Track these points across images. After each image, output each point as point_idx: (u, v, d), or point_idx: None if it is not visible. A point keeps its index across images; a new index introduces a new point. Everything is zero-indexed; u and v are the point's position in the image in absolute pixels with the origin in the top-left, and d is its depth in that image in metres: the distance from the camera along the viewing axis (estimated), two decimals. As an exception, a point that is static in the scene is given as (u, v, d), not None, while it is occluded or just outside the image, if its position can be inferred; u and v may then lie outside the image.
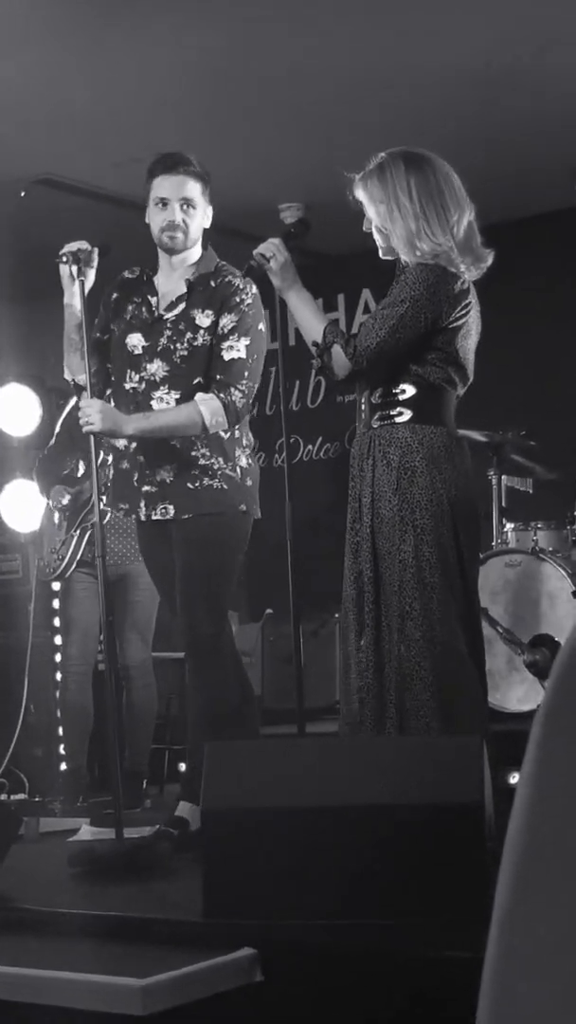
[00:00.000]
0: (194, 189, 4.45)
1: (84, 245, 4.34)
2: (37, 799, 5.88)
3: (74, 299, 4.39)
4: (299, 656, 4.35)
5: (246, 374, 4.40)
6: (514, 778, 4.44)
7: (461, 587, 3.88)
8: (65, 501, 5.84)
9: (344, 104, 6.30)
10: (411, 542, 3.82)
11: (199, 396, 4.36)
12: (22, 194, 7.08)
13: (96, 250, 4.35)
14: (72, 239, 4.39)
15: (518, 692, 5.67)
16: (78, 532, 5.80)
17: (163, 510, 4.43)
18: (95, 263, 4.36)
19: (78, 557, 5.81)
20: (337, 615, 6.72)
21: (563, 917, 1.00)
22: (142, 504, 4.46)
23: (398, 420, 3.91)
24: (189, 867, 3.53)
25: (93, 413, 4.28)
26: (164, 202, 4.44)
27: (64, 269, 4.36)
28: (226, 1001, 2.77)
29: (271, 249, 4.04)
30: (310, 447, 8.48)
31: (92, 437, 4.33)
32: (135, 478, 4.47)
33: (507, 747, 3.99)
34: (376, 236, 4.01)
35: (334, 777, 3.11)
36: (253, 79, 6.06)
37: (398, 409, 3.92)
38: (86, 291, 4.34)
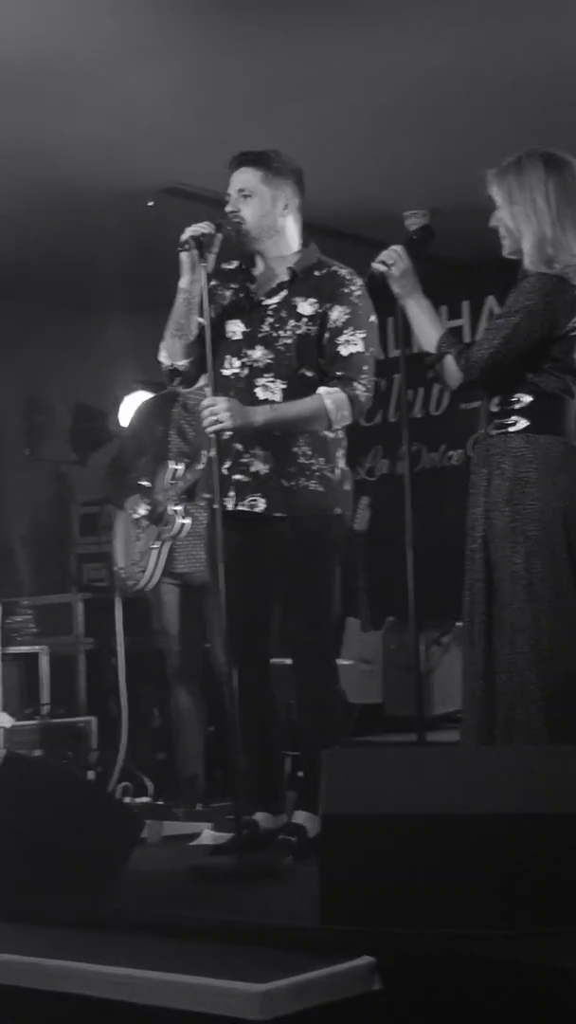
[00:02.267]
0: (249, 178, 4.44)
1: (206, 228, 4.31)
2: (160, 803, 5.92)
3: (194, 285, 4.35)
4: (419, 664, 4.33)
5: (366, 368, 4.39)
6: None
7: (574, 600, 3.81)
8: (142, 511, 5.82)
9: (471, 109, 6.27)
10: (522, 553, 3.77)
11: (323, 389, 4.34)
12: (150, 204, 7.14)
13: (219, 234, 4.33)
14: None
15: None
16: (159, 544, 5.79)
17: (252, 502, 4.36)
18: (217, 247, 4.33)
19: (161, 569, 5.79)
20: (459, 623, 6.71)
21: None
22: (231, 493, 4.38)
23: (512, 429, 3.87)
24: (307, 874, 3.54)
25: (221, 411, 4.23)
26: (227, 196, 4.48)
27: (186, 256, 4.34)
28: (344, 1008, 2.77)
29: (392, 256, 4.02)
30: (433, 454, 8.45)
31: (215, 437, 4.27)
32: (227, 466, 4.38)
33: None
34: (503, 234, 3.94)
35: (453, 786, 3.10)
36: (379, 84, 6.05)
37: (513, 418, 3.87)
38: (208, 275, 4.30)
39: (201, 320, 4.39)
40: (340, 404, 4.33)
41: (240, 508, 4.37)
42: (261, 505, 4.37)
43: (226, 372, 4.44)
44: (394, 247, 4.06)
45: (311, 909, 3.13)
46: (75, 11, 5.32)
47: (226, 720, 4.32)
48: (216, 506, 4.25)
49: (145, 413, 6.18)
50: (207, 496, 4.53)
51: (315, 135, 6.42)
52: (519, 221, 3.86)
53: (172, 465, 5.82)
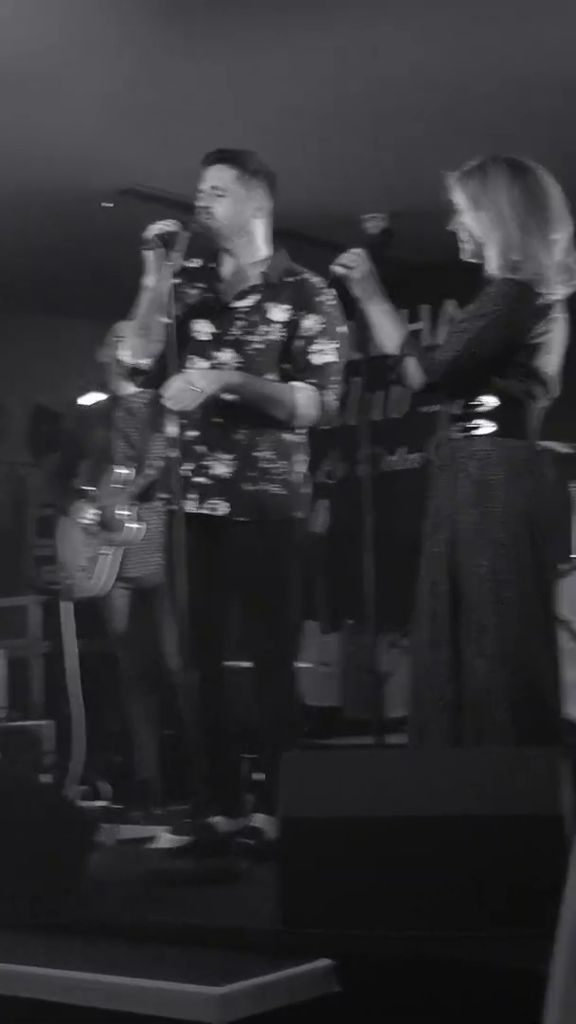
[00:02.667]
0: (224, 175, 4.42)
1: (171, 226, 4.27)
2: (117, 806, 5.90)
3: (160, 283, 4.30)
4: (378, 667, 4.33)
5: (336, 378, 4.41)
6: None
7: (540, 602, 3.81)
8: (90, 517, 5.80)
9: (431, 113, 6.29)
10: (488, 556, 3.77)
11: (297, 383, 4.35)
12: (108, 205, 7.13)
13: (185, 232, 4.28)
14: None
15: (600, 706, 5.61)
16: (111, 550, 5.77)
17: (213, 506, 4.35)
18: (182, 246, 4.27)
19: (115, 575, 5.78)
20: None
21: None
22: (193, 495, 4.35)
23: (478, 432, 3.87)
24: (265, 876, 3.52)
25: (197, 379, 4.23)
26: (200, 192, 4.45)
27: (150, 254, 4.29)
28: (303, 1011, 2.77)
29: (353, 259, 4.00)
30: (392, 458, 8.47)
31: (169, 424, 4.23)
32: (189, 468, 4.35)
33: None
34: (465, 238, 3.93)
35: (412, 788, 3.10)
36: (338, 88, 6.06)
37: (477, 421, 3.87)
38: (173, 274, 4.26)
39: (166, 319, 4.32)
40: (310, 402, 4.35)
41: (202, 511, 4.36)
42: (223, 508, 4.35)
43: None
44: (354, 250, 4.04)
45: (270, 912, 3.12)
46: (28, 13, 5.30)
47: (181, 723, 4.31)
48: (175, 507, 4.20)
49: (85, 418, 6.15)
50: (164, 496, 4.51)
51: (274, 137, 6.41)
52: (484, 227, 3.85)
53: (118, 470, 5.81)
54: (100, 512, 5.76)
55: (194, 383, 4.23)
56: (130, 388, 5.88)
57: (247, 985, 2.70)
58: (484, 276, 3.91)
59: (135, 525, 5.68)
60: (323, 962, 2.83)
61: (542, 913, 2.74)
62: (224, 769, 4.57)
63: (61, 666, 6.88)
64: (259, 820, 4.38)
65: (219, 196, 4.43)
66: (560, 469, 6.04)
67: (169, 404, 4.24)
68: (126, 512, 5.70)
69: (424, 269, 7.57)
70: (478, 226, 3.87)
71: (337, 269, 4.03)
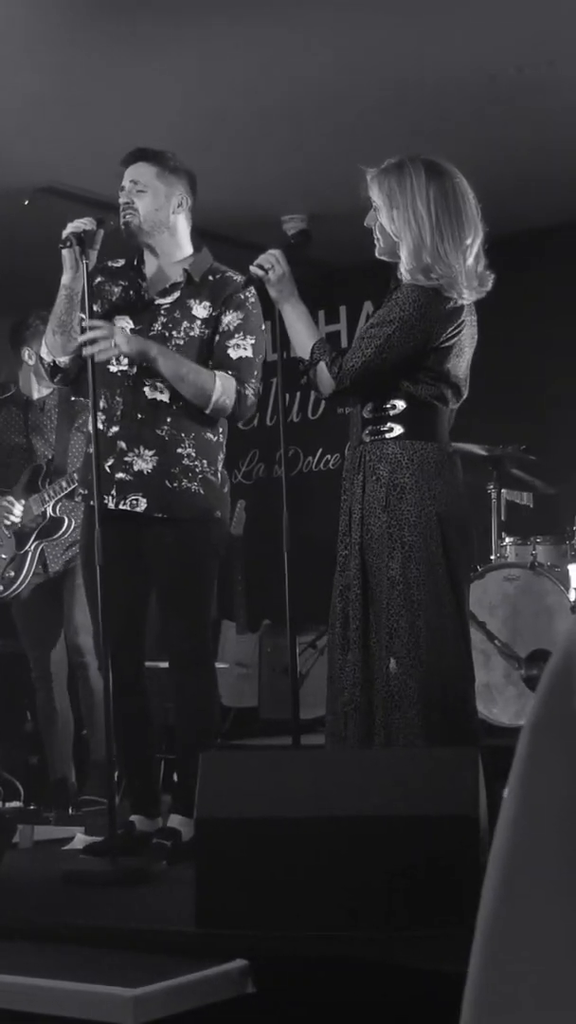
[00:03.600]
0: (144, 172, 4.47)
1: (89, 224, 4.26)
2: (32, 807, 5.87)
3: (76, 281, 4.31)
4: (295, 667, 4.34)
5: (255, 372, 4.43)
6: (509, 792, 4.43)
7: (452, 604, 3.83)
8: (16, 515, 5.78)
9: (349, 116, 6.30)
10: (399, 559, 3.79)
11: (218, 372, 4.36)
12: (26, 203, 7.08)
13: (100, 230, 4.27)
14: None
15: (515, 706, 5.67)
16: (32, 547, 5.75)
17: (133, 501, 4.34)
18: (98, 243, 4.28)
19: (32, 572, 5.77)
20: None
21: (545, 930, 1.00)
22: (112, 491, 4.35)
23: (388, 435, 3.88)
24: (181, 877, 3.52)
25: (117, 334, 4.23)
26: (121, 190, 4.49)
27: (67, 253, 4.29)
28: (218, 1012, 2.77)
29: (270, 260, 4.01)
30: (310, 459, 8.49)
31: (91, 376, 4.16)
32: (109, 463, 4.35)
33: (503, 761, 3.96)
34: (378, 236, 3.94)
35: (328, 788, 3.11)
36: (258, 89, 6.06)
37: (389, 424, 3.89)
38: (89, 271, 4.25)
39: (83, 316, 4.31)
40: (228, 391, 4.36)
41: (121, 507, 4.35)
42: (142, 504, 4.35)
43: (113, 369, 4.41)
44: (272, 251, 4.05)
45: (185, 913, 3.11)
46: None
47: (96, 723, 4.31)
48: (93, 503, 4.15)
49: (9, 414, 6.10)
50: (83, 492, 4.50)
51: (193, 136, 6.41)
52: (398, 226, 3.85)
53: (37, 463, 5.80)
54: (24, 510, 5.75)
55: (115, 339, 4.22)
56: (43, 387, 5.87)
57: (161, 986, 2.70)
58: (396, 276, 3.92)
59: (63, 518, 5.69)
60: (238, 963, 2.83)
61: (457, 913, 2.77)
62: (141, 769, 4.55)
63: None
64: (176, 821, 4.37)
65: (140, 191, 4.46)
66: (479, 472, 6.13)
67: (85, 349, 4.22)
68: (51, 507, 5.70)
69: (342, 271, 7.60)
70: (392, 224, 3.88)
71: (254, 270, 4.03)
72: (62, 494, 5.68)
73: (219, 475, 4.47)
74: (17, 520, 5.76)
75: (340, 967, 2.82)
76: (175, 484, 4.36)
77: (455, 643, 3.85)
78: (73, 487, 5.49)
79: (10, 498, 5.81)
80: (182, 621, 4.42)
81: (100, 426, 4.29)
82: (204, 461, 4.41)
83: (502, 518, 6.25)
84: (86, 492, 4.44)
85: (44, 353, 4.53)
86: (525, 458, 6.18)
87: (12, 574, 5.79)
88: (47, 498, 5.71)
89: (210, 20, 5.46)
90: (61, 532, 5.72)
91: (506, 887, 1.04)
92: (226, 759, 3.49)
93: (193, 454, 4.39)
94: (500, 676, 5.71)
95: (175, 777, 5.95)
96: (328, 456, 8.41)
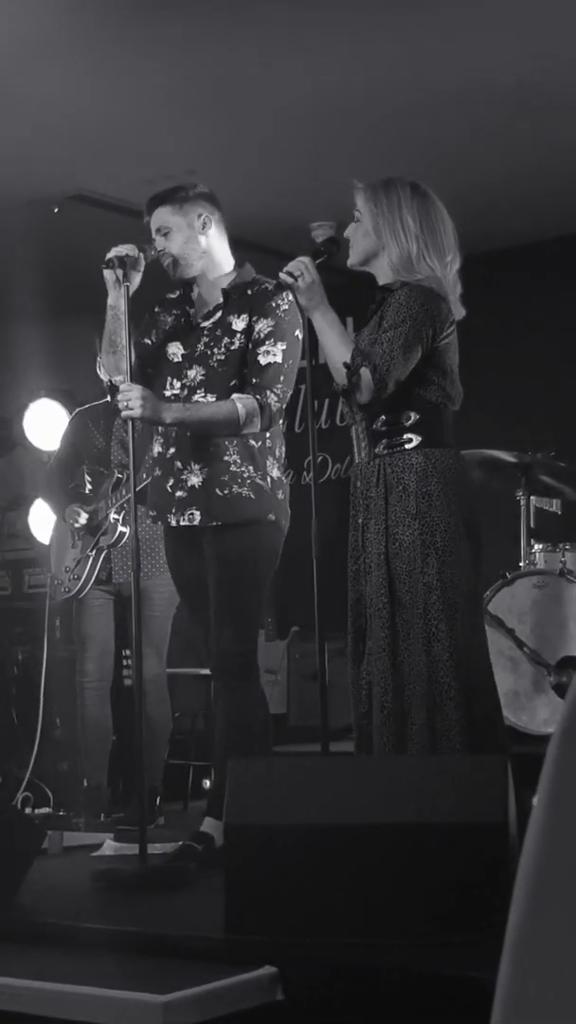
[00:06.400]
0: (163, 215, 4.57)
1: (131, 250, 4.39)
2: (61, 813, 5.88)
3: (119, 301, 4.42)
4: (324, 674, 4.34)
5: (281, 378, 4.47)
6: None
7: (478, 605, 3.95)
8: (83, 520, 5.85)
9: (374, 122, 6.31)
10: (434, 565, 3.83)
11: (236, 395, 4.43)
12: (55, 210, 7.11)
13: (142, 255, 4.41)
14: (104, 255, 4.43)
15: (544, 714, 5.65)
16: (94, 552, 5.82)
17: (190, 516, 4.46)
18: (141, 267, 4.41)
19: (94, 576, 5.83)
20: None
21: (574, 937, 1.00)
22: (172, 510, 4.50)
23: (408, 446, 3.94)
24: (212, 883, 3.53)
25: (134, 398, 4.31)
26: (152, 241, 4.58)
27: (109, 274, 4.40)
28: (247, 1019, 2.77)
29: (299, 268, 4.03)
30: (338, 465, 8.47)
31: (131, 433, 4.36)
32: (169, 484, 4.51)
33: (532, 768, 3.96)
34: (357, 245, 4.07)
35: (357, 795, 3.11)
36: (285, 96, 6.07)
37: (407, 435, 3.95)
38: (130, 294, 4.38)
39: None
40: (251, 411, 4.41)
41: (182, 524, 4.49)
42: (197, 517, 4.47)
43: (168, 393, 4.55)
44: (301, 259, 4.08)
45: (215, 919, 3.12)
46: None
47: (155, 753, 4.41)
48: (149, 521, 4.52)
49: (82, 422, 6.16)
50: (152, 514, 4.68)
51: (223, 144, 6.44)
52: (385, 235, 3.99)
53: (116, 475, 5.85)
54: (91, 515, 5.81)
55: (130, 403, 4.31)
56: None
57: (191, 993, 2.71)
58: (381, 288, 4.06)
59: (123, 529, 5.74)
60: (267, 969, 2.83)
61: (487, 920, 2.76)
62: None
63: (8, 672, 6.87)
64: (209, 825, 4.38)
65: (165, 235, 4.57)
66: (508, 478, 6.13)
67: (120, 408, 4.36)
68: (116, 516, 5.76)
69: (369, 277, 7.59)
70: (378, 234, 4.01)
71: (284, 277, 4.05)
72: (121, 500, 5.74)
73: (269, 479, 4.53)
74: (83, 523, 5.85)
75: (368, 974, 2.82)
76: (225, 492, 4.45)
77: (485, 643, 3.95)
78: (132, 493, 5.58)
79: (78, 504, 5.88)
80: (224, 627, 4.44)
81: (159, 449, 4.55)
82: (250, 467, 4.49)
83: (531, 524, 6.23)
84: (154, 514, 4.63)
85: (101, 373, 4.64)
86: (554, 464, 6.17)
87: (75, 577, 5.86)
88: (110, 504, 5.79)
89: (237, 30, 5.48)
90: (116, 538, 5.78)
91: (536, 894, 1.04)
92: (254, 765, 3.49)
93: (238, 460, 4.47)
94: (529, 683, 5.69)
95: (204, 784, 5.97)
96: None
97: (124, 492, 5.74)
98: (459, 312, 4.04)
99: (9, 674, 7.01)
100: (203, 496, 4.45)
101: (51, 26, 5.40)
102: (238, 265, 4.65)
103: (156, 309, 4.67)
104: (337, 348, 4.01)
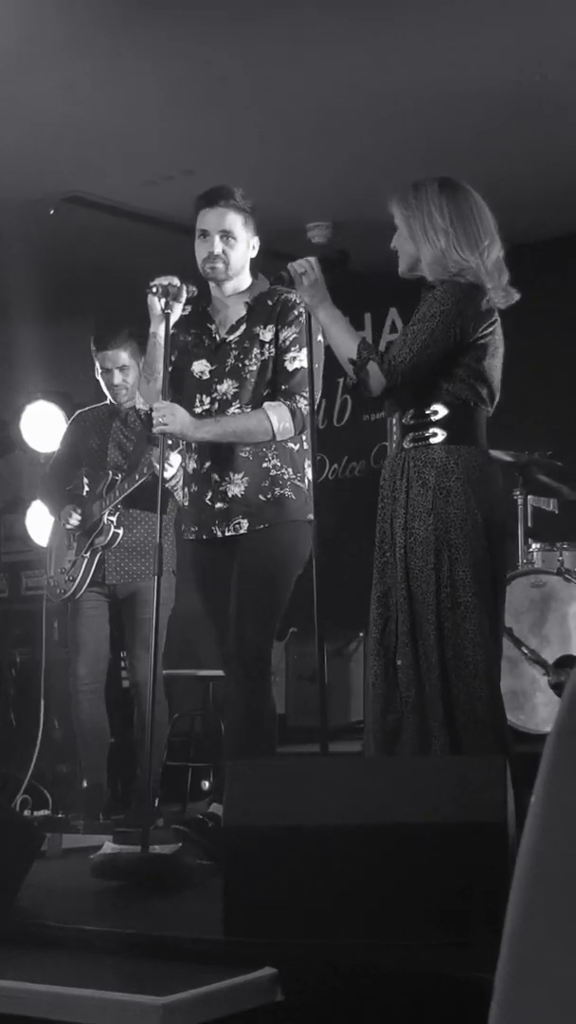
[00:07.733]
0: (234, 221, 4.57)
1: (175, 281, 4.45)
2: (60, 815, 5.88)
3: (159, 329, 4.50)
4: (323, 675, 4.34)
5: (306, 382, 4.49)
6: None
7: (493, 606, 3.90)
8: (75, 521, 5.86)
9: (371, 123, 6.31)
10: (447, 561, 3.84)
11: (266, 403, 4.50)
12: (51, 212, 7.11)
13: (185, 288, 4.47)
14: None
15: (542, 713, 5.65)
16: (89, 553, 5.83)
17: (237, 525, 4.51)
18: (183, 299, 4.49)
19: (89, 578, 5.83)
20: (362, 634, 6.73)
21: (572, 938, 1.00)
22: (216, 522, 4.54)
23: (433, 441, 3.93)
24: (211, 884, 3.53)
25: (168, 415, 4.40)
26: (205, 234, 4.57)
27: (152, 300, 4.48)
28: (246, 1020, 2.76)
29: (305, 266, 4.10)
30: (336, 465, 8.48)
31: (162, 446, 4.50)
32: (208, 497, 4.55)
33: (530, 768, 3.96)
34: (401, 254, 4.05)
35: (356, 796, 3.10)
36: (282, 98, 6.07)
37: (432, 430, 3.94)
38: (171, 324, 4.46)
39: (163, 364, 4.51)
40: (282, 416, 4.49)
41: (228, 534, 4.53)
42: (244, 525, 4.51)
43: (197, 410, 4.59)
44: (308, 258, 4.14)
45: (214, 921, 3.11)
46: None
47: (153, 750, 4.41)
48: (190, 536, 4.61)
49: (81, 425, 6.16)
50: (195, 530, 4.65)
51: (219, 146, 6.44)
52: (417, 238, 3.97)
53: (111, 476, 5.85)
54: (85, 517, 5.82)
55: (164, 419, 4.40)
56: (125, 400, 5.92)
57: (190, 995, 2.70)
58: (426, 285, 4.01)
59: (117, 530, 5.75)
60: (267, 971, 2.83)
61: (485, 920, 2.76)
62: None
63: (6, 674, 6.86)
64: (218, 808, 4.38)
65: (232, 242, 4.58)
66: (506, 477, 6.13)
67: (154, 424, 4.47)
68: (111, 517, 5.78)
69: (365, 277, 7.59)
70: (412, 237, 4.00)
71: (293, 267, 4.09)
72: (115, 501, 5.74)
73: (306, 481, 4.59)
74: (77, 524, 5.85)
75: (368, 975, 2.81)
76: (268, 496, 4.52)
77: (495, 646, 3.92)
78: (124, 494, 5.62)
79: (72, 506, 5.88)
80: (248, 621, 4.46)
81: (195, 465, 4.61)
82: (289, 469, 4.56)
83: (528, 524, 6.24)
84: (196, 529, 4.63)
85: (140, 404, 4.69)
86: (551, 464, 6.17)
87: (70, 578, 5.86)
88: (104, 505, 5.79)
89: (234, 34, 5.48)
90: (110, 539, 5.78)
91: (534, 894, 1.04)
92: (252, 767, 3.48)
93: (278, 464, 4.54)
94: (528, 683, 5.70)
95: (203, 785, 5.97)
96: (354, 463, 8.41)
97: (118, 493, 5.74)
98: (509, 298, 3.99)
99: (8, 676, 7.01)
100: (247, 503, 4.50)
101: (48, 28, 5.40)
102: (252, 276, 4.70)
103: (173, 331, 4.63)
104: (344, 343, 4.04)
